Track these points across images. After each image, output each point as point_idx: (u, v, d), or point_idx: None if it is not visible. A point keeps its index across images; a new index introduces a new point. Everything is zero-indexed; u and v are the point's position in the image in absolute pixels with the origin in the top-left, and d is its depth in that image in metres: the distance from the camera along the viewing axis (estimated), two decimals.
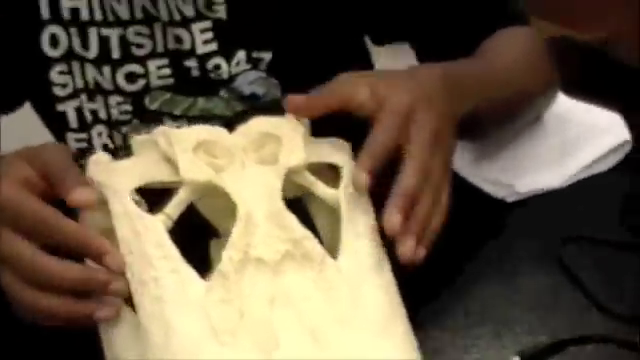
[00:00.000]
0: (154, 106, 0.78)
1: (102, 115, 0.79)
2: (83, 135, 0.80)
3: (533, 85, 0.78)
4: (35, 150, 0.58)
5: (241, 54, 0.77)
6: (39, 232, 0.54)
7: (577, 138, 0.78)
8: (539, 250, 0.69)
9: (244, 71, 0.77)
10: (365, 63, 0.87)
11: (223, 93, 0.78)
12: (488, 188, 0.76)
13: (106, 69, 0.77)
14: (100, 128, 0.79)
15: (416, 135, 0.58)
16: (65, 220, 0.54)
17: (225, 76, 0.77)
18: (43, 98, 0.79)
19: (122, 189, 0.58)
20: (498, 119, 0.75)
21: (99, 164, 0.59)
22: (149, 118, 0.78)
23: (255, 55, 0.77)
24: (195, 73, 0.78)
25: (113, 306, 0.55)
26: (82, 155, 0.78)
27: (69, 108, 0.78)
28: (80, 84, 0.78)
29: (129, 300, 0.56)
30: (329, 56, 0.78)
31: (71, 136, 0.80)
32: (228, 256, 0.54)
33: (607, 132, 0.78)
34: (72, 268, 0.54)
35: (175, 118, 0.78)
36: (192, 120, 0.79)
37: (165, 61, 0.77)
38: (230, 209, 0.60)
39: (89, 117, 0.79)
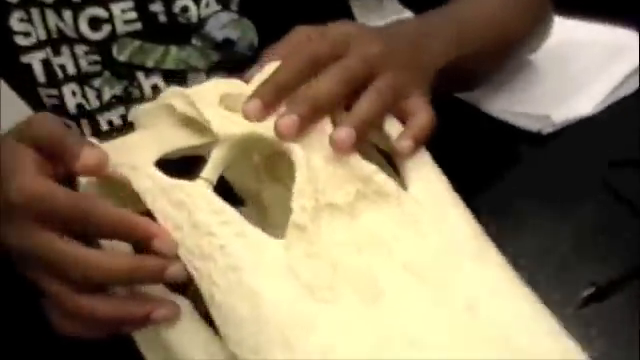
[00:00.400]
0: (123, 57, 0.71)
1: (70, 69, 0.72)
2: (53, 91, 0.73)
3: (523, 19, 0.74)
4: (23, 129, 0.49)
5: None
6: (75, 221, 0.45)
7: (600, 61, 0.75)
8: (587, 178, 0.65)
9: (215, 13, 0.71)
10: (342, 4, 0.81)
11: (196, 41, 0.72)
12: (522, 122, 0.72)
13: (67, 14, 0.70)
14: (72, 86, 0.73)
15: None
16: (101, 202, 0.46)
17: (194, 20, 0.71)
18: (5, 49, 0.72)
19: (142, 163, 0.50)
20: (491, 60, 0.71)
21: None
22: (120, 71, 0.72)
23: None
24: (162, 18, 0.71)
25: (171, 302, 0.47)
26: (57, 111, 0.72)
27: (34, 60, 0.72)
28: (42, 34, 0.71)
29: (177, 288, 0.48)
30: None
31: (42, 91, 0.73)
32: (300, 206, 0.47)
33: (628, 51, 0.75)
34: (120, 257, 0.46)
35: (148, 71, 0.72)
36: (167, 73, 0.72)
37: (130, 4, 0.70)
38: (269, 167, 0.53)
39: (59, 73, 0.72)
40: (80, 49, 0.71)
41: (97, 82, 0.73)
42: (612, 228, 0.61)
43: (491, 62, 0.72)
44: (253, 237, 0.46)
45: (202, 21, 0.71)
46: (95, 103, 0.73)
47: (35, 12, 0.71)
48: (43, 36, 0.71)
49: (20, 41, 0.72)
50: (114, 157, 0.50)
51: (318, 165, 0.48)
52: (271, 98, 0.50)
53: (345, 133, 0.49)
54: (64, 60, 0.72)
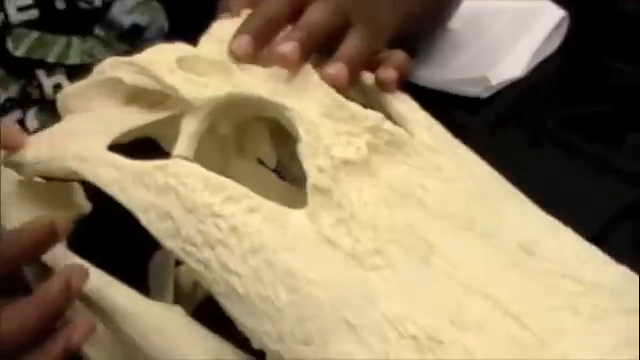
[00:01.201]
0: (20, 51, 0.62)
1: None
2: None
3: None
4: None
5: None
6: None
7: (519, 24, 0.74)
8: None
9: None
10: None
11: (99, 30, 0.63)
12: (462, 88, 0.68)
13: None
14: None
15: None
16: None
17: (98, 3, 0.62)
18: None
19: (94, 152, 0.41)
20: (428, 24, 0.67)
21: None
22: (17, 68, 0.62)
23: None
24: (60, 5, 0.62)
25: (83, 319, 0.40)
26: None
27: None
28: None
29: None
30: None
31: None
32: (316, 166, 0.39)
33: (542, 12, 0.74)
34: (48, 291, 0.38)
35: (49, 68, 0.63)
36: (71, 70, 0.63)
37: None
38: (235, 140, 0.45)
39: None
40: None
41: None
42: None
43: (428, 25, 0.68)
44: (269, 210, 0.38)
45: (107, 5, 0.63)
46: None
47: None
48: None
49: None
50: (49, 150, 0.41)
51: (316, 121, 0.41)
52: (261, 31, 0.43)
53: (339, 67, 0.42)
54: None
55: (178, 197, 0.38)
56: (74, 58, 0.64)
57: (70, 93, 0.45)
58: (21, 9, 0.62)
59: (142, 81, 0.43)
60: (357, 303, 0.35)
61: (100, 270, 0.42)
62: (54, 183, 0.47)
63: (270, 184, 0.50)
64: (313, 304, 0.36)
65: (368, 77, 0.46)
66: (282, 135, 0.45)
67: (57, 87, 0.64)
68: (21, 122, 0.64)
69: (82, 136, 0.42)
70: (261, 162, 0.50)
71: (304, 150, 0.39)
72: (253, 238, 0.37)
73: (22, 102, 0.64)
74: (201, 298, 0.46)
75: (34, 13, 0.62)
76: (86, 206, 0.47)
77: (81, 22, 0.63)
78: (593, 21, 0.76)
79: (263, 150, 0.49)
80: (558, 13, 0.74)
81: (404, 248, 0.38)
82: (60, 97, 0.45)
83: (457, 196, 0.41)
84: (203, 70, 0.43)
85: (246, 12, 0.47)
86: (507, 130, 0.66)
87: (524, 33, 0.73)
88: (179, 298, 0.46)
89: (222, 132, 0.46)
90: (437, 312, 0.35)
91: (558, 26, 0.73)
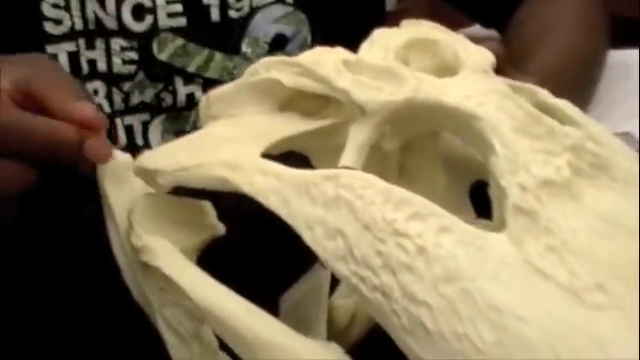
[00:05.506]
0: (163, 56, 0.63)
1: (101, 66, 0.64)
2: None
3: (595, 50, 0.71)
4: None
5: None
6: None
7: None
8: None
9: (268, 4, 0.63)
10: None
11: (246, 47, 0.63)
12: None
13: (110, 2, 0.63)
14: (97, 84, 0.64)
15: None
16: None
17: (247, 9, 0.62)
18: (31, 36, 0.63)
19: (246, 159, 0.35)
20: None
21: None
22: (156, 72, 0.63)
23: None
24: (215, 15, 0.63)
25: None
26: None
27: (61, 52, 0.63)
28: (78, 23, 0.63)
29: None
30: None
31: None
32: (518, 185, 0.33)
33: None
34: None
35: (187, 77, 0.63)
36: (208, 82, 0.63)
37: None
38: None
39: (85, 68, 0.64)
40: (117, 44, 0.63)
41: (127, 85, 0.63)
42: None
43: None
44: (463, 231, 0.32)
45: (253, 11, 0.63)
46: (120, 106, 0.63)
47: None
48: (79, 25, 0.63)
49: (50, 29, 0.63)
50: (193, 157, 0.35)
51: (510, 137, 0.35)
52: None
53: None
54: (96, 55, 0.64)
55: (352, 211, 0.32)
56: (213, 72, 0.64)
57: (216, 97, 0.40)
58: (170, 15, 0.63)
59: (304, 84, 0.37)
60: (582, 348, 0.29)
61: (240, 297, 0.36)
62: (186, 200, 0.41)
63: None
64: (525, 346, 0.29)
65: (546, 95, 0.40)
66: None
67: (190, 96, 0.64)
68: (145, 125, 0.63)
69: (232, 143, 0.37)
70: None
71: (502, 165, 0.33)
72: (446, 263, 0.31)
73: (154, 107, 0.64)
74: (357, 336, 0.40)
75: (182, 21, 0.63)
76: (219, 228, 0.42)
77: (227, 35, 0.63)
78: None
79: (429, 173, 0.43)
80: None
81: (629, 286, 0.31)
82: (204, 101, 0.40)
83: None
84: (371, 76, 0.38)
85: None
86: None
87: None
88: (330, 336, 0.40)
89: (386, 148, 0.40)
90: None
91: None
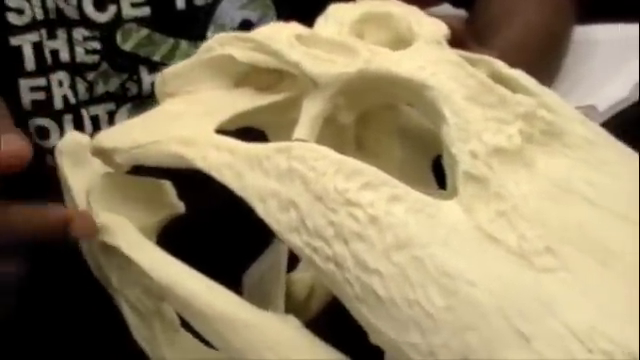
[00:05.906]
0: (128, 46, 0.61)
1: (64, 56, 0.61)
2: (41, 81, 0.62)
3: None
4: None
5: None
6: None
7: (617, 56, 0.73)
8: None
9: None
10: None
11: (211, 34, 0.61)
12: None
13: None
14: (61, 75, 0.61)
15: None
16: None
17: None
18: None
19: (201, 134, 0.35)
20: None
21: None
22: (121, 62, 0.61)
23: None
24: (180, 5, 0.61)
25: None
26: (40, 108, 0.61)
27: (26, 43, 0.61)
28: (39, 13, 0.61)
29: None
30: None
31: (26, 83, 0.61)
32: (469, 152, 0.33)
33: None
34: None
35: (153, 66, 0.61)
36: None
37: None
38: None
39: (49, 58, 0.61)
40: (79, 33, 0.61)
41: (91, 75, 0.62)
42: None
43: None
44: (415, 200, 0.32)
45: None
46: (84, 97, 0.61)
47: None
48: (40, 15, 0.61)
49: (13, 20, 0.61)
50: (148, 135, 0.35)
51: (461, 105, 0.35)
52: None
53: None
54: (58, 45, 0.61)
55: (304, 183, 0.32)
56: (179, 60, 0.61)
57: (171, 75, 0.40)
58: (134, 5, 0.61)
59: (258, 58, 0.37)
60: (531, 310, 0.29)
61: (200, 274, 0.36)
62: (145, 180, 0.41)
63: None
64: (475, 310, 0.29)
65: (502, 66, 0.41)
66: None
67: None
68: (111, 115, 0.62)
69: (186, 120, 0.37)
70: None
71: (452, 133, 0.33)
72: (397, 231, 0.31)
73: (118, 96, 0.62)
74: (316, 309, 0.40)
75: (146, 10, 0.61)
76: (179, 206, 0.42)
77: (193, 23, 0.62)
78: None
79: (386, 145, 0.43)
80: None
81: (579, 249, 0.31)
82: (159, 79, 0.40)
83: (630, 195, 0.34)
84: (324, 49, 0.38)
85: None
86: None
87: (623, 63, 0.71)
88: (288, 310, 0.40)
89: (342, 121, 0.40)
90: (632, 324, 0.28)
91: None
